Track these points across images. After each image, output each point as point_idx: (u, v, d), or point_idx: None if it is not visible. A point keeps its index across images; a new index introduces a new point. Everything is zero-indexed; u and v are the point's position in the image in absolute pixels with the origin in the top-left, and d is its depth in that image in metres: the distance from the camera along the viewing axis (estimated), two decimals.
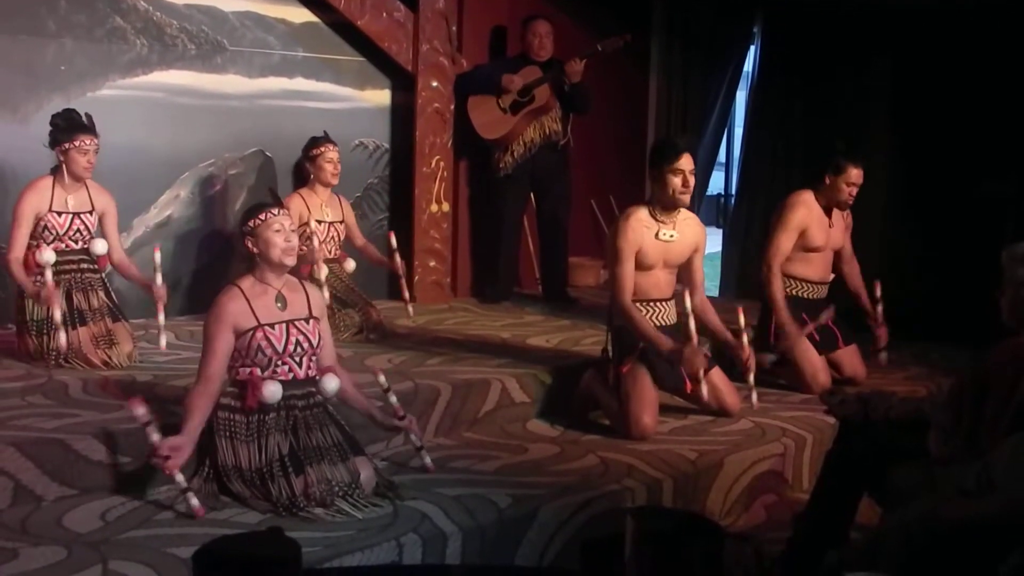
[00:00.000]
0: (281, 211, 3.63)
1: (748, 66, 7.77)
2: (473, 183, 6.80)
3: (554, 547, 3.58)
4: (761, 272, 5.21)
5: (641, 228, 4.51)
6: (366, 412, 3.82)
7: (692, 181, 4.49)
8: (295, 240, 3.64)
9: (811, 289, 5.30)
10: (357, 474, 3.51)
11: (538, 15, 6.48)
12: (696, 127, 7.64)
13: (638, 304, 4.52)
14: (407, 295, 5.64)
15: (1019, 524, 2.32)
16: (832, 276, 5.37)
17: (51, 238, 4.58)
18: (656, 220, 4.54)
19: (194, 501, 3.37)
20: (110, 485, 3.56)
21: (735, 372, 4.87)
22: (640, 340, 4.48)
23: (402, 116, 6.48)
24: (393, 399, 3.83)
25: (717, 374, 4.71)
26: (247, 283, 3.58)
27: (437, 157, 6.46)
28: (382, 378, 3.84)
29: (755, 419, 4.71)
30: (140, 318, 5.18)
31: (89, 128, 4.58)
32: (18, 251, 4.53)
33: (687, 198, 4.52)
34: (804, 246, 5.22)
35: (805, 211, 5.18)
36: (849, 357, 5.34)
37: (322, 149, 5.52)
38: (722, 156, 8.83)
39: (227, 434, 3.52)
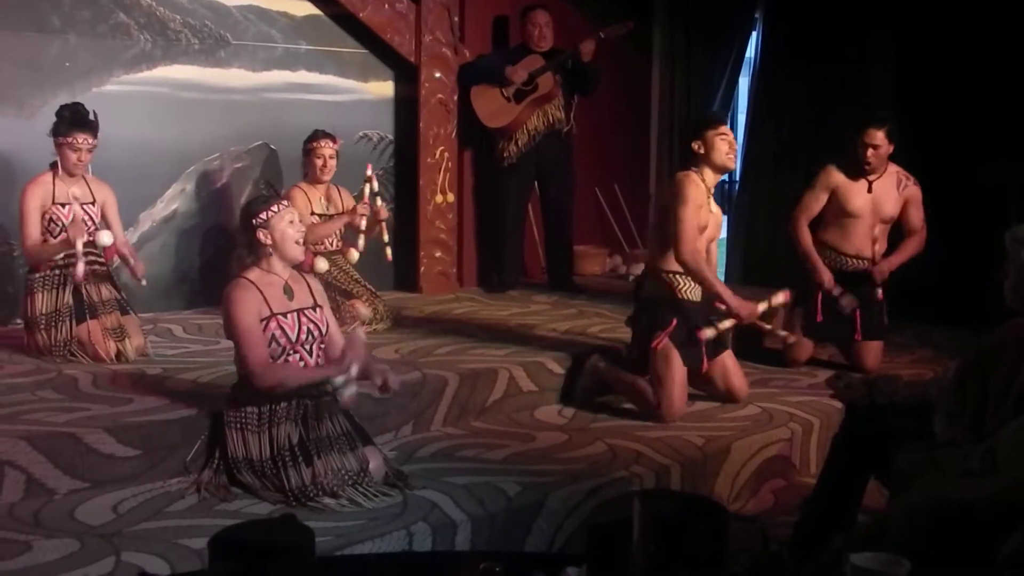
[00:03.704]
0: (288, 204, 3.67)
1: (750, 52, 7.77)
2: (478, 173, 6.82)
3: (563, 534, 3.60)
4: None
5: (703, 188, 4.48)
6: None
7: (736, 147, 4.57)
8: (303, 233, 3.68)
9: (842, 261, 5.23)
10: (366, 463, 3.54)
11: (536, 4, 6.49)
12: (699, 114, 7.63)
13: (676, 275, 4.49)
14: (387, 238, 5.46)
15: (1022, 505, 2.34)
16: (879, 255, 5.22)
17: (57, 231, 4.59)
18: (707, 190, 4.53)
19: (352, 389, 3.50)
20: (121, 478, 3.58)
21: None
22: (707, 290, 4.45)
23: (406, 107, 6.49)
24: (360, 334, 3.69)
25: (729, 357, 4.72)
26: (255, 274, 3.60)
27: (441, 148, 6.47)
28: (362, 310, 3.86)
29: (762, 404, 4.73)
30: (148, 312, 5.22)
31: (88, 127, 4.57)
32: (34, 237, 4.56)
33: (734, 162, 4.57)
34: (839, 210, 5.21)
35: (834, 173, 5.20)
36: (868, 352, 5.24)
37: (314, 144, 5.35)
38: None
39: (237, 425, 3.54)
